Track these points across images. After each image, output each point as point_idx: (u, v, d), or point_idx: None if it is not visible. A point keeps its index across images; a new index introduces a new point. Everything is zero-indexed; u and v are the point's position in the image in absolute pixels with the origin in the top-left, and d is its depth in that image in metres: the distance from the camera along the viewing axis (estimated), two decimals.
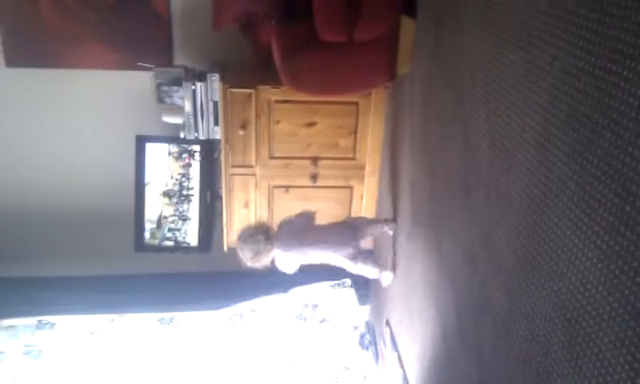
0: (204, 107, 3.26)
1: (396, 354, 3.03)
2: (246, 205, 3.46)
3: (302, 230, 2.84)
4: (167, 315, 3.98)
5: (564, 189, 1.33)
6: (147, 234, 3.70)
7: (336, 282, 3.90)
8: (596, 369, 1.21)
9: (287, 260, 2.82)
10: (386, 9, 2.66)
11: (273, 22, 2.83)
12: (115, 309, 3.89)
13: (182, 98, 3.25)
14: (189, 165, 3.59)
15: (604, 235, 1.18)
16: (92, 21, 3.37)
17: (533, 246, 1.48)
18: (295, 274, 2.91)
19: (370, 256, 3.13)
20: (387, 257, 3.14)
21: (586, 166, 1.24)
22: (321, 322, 3.89)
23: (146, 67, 3.32)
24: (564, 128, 1.33)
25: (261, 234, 2.75)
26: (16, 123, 3.63)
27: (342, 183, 3.43)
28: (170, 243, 3.74)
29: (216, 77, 3.18)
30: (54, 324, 3.91)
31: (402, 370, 2.92)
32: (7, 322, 3.87)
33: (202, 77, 3.22)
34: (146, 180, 3.60)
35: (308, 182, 3.40)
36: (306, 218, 2.91)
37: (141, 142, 3.55)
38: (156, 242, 3.72)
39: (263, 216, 3.49)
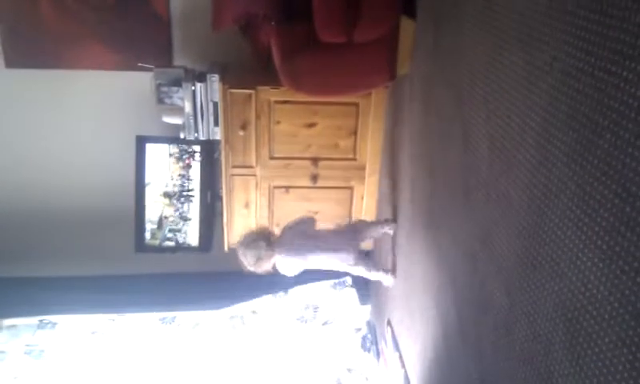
0: (204, 108, 3.27)
1: (397, 354, 3.03)
2: (247, 205, 3.46)
3: (302, 235, 2.85)
4: (169, 314, 3.98)
5: (564, 189, 1.33)
6: (148, 235, 3.70)
7: (336, 280, 3.91)
8: (597, 368, 1.21)
9: (288, 265, 2.84)
10: (385, 9, 2.66)
11: (272, 22, 2.83)
12: (116, 308, 3.90)
13: (182, 98, 3.26)
14: (189, 166, 3.60)
15: (604, 235, 1.18)
16: (92, 21, 3.37)
17: (533, 246, 1.48)
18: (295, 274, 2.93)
19: (370, 259, 3.15)
20: (387, 258, 3.14)
21: (586, 167, 1.24)
22: (323, 324, 3.89)
23: (145, 68, 3.33)
24: (564, 129, 1.33)
25: (262, 240, 2.76)
26: (16, 124, 3.63)
27: (342, 184, 3.44)
28: (171, 243, 3.75)
29: (216, 77, 3.18)
30: (55, 324, 3.91)
31: (403, 370, 2.93)
32: (8, 321, 3.87)
33: (201, 77, 3.22)
34: (147, 181, 3.61)
35: (308, 183, 3.40)
36: (307, 222, 2.93)
37: (141, 142, 3.55)
38: (157, 242, 3.72)
39: (264, 219, 3.50)
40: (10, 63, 3.44)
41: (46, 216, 3.85)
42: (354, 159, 3.36)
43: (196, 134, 3.34)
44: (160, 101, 3.30)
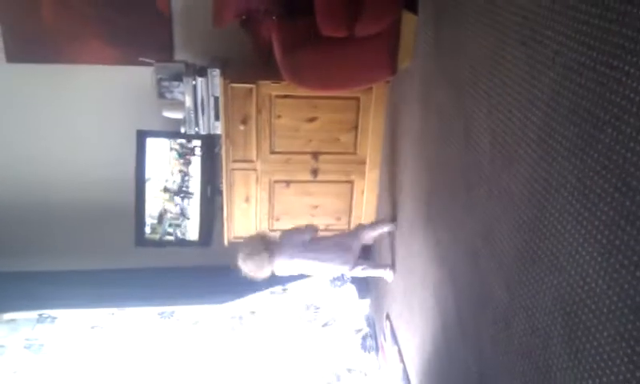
0: (205, 102, 3.27)
1: (396, 348, 3.04)
2: (247, 199, 3.47)
3: (303, 245, 2.88)
4: (168, 309, 3.99)
5: (565, 183, 1.33)
6: (148, 229, 3.71)
7: (335, 276, 3.90)
8: (595, 362, 1.22)
9: (288, 270, 2.89)
10: (386, 4, 2.66)
11: (273, 17, 2.83)
12: (116, 303, 3.90)
13: (183, 93, 3.26)
14: (189, 162, 3.60)
15: (604, 229, 1.19)
16: (93, 16, 3.37)
17: (533, 240, 1.49)
18: None
19: (369, 257, 3.19)
20: (387, 253, 3.16)
21: (587, 161, 1.24)
22: (323, 325, 3.90)
23: (146, 62, 3.33)
24: (565, 123, 1.33)
25: (263, 249, 2.78)
26: (16, 118, 3.63)
27: (342, 178, 3.44)
28: (171, 238, 3.75)
29: (217, 72, 3.18)
30: (54, 318, 3.91)
31: (402, 364, 2.94)
32: (8, 315, 3.87)
33: (202, 72, 3.22)
34: (147, 176, 3.61)
35: (309, 177, 3.40)
36: (308, 232, 2.95)
37: (141, 136, 3.55)
38: (157, 236, 3.73)
39: (264, 214, 3.50)
40: (11, 58, 3.44)
41: (45, 210, 3.86)
42: (355, 154, 3.36)
43: (197, 129, 3.34)
44: (161, 95, 3.30)
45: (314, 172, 3.37)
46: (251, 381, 3.68)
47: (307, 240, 2.90)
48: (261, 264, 2.75)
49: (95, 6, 3.34)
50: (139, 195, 3.63)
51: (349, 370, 3.72)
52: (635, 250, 1.09)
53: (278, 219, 3.54)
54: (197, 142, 3.57)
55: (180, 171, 3.62)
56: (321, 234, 3.14)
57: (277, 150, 3.33)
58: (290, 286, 3.90)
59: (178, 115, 3.37)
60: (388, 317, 3.24)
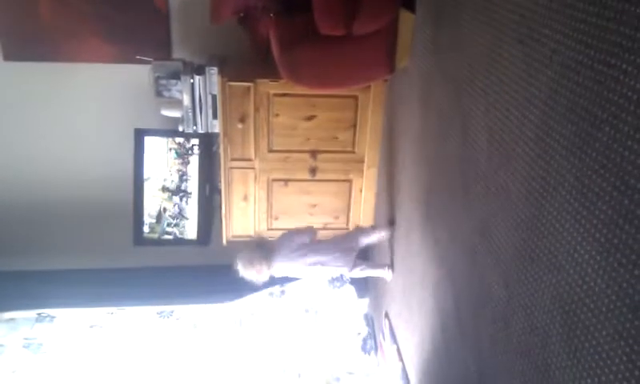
0: (202, 101, 3.26)
1: (395, 347, 3.04)
2: (245, 198, 3.46)
3: (302, 248, 2.89)
4: (167, 308, 3.99)
5: (563, 182, 1.33)
6: (146, 229, 3.70)
7: (334, 277, 3.89)
8: (594, 361, 1.22)
9: (288, 272, 2.91)
10: (384, 2, 2.65)
11: (271, 14, 2.83)
12: (115, 302, 3.90)
13: (181, 91, 3.24)
14: (187, 162, 3.60)
15: (602, 228, 1.18)
16: (90, 13, 3.36)
17: (531, 238, 1.48)
18: None
19: (367, 257, 3.20)
20: (386, 253, 3.16)
21: (585, 160, 1.24)
22: (323, 328, 3.89)
23: (144, 60, 3.32)
24: (563, 121, 1.33)
25: (262, 257, 2.79)
26: (14, 117, 3.62)
27: (341, 176, 3.44)
28: (169, 237, 3.75)
29: (214, 70, 3.17)
30: (53, 317, 3.92)
31: (401, 363, 2.94)
32: (7, 315, 3.87)
33: (200, 70, 3.21)
34: (146, 175, 3.61)
35: (307, 176, 3.40)
36: (307, 234, 2.95)
37: (139, 135, 3.54)
38: (155, 235, 3.72)
39: (262, 212, 3.50)
40: (9, 56, 3.43)
41: (44, 209, 3.85)
42: (353, 152, 3.36)
43: (195, 127, 3.33)
44: (159, 94, 3.30)
45: (313, 170, 3.37)
46: (251, 381, 3.69)
47: (307, 242, 2.91)
48: (260, 270, 2.78)
49: (93, 4, 3.33)
50: (138, 194, 3.62)
51: (349, 373, 3.72)
52: (634, 248, 1.09)
53: (276, 218, 3.54)
54: (195, 141, 3.56)
55: (178, 171, 3.61)
56: (319, 233, 3.14)
57: (275, 148, 3.33)
58: (288, 287, 3.89)
59: (175, 114, 3.36)
60: (387, 316, 3.24)
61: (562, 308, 1.34)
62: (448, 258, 2.18)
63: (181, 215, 3.69)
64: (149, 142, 3.55)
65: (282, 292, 3.90)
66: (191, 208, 3.68)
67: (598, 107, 1.19)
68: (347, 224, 3.57)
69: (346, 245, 2.99)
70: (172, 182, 3.63)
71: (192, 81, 3.21)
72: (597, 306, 1.21)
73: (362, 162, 3.38)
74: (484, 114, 1.80)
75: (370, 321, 3.84)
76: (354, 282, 3.79)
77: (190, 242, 3.77)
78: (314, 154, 3.34)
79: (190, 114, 3.29)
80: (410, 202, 2.75)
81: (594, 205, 1.21)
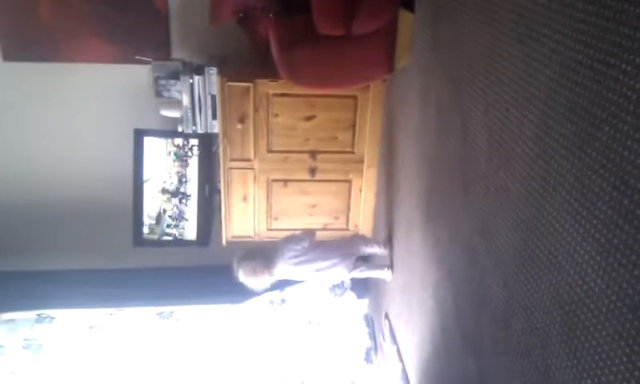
0: (202, 101, 3.25)
1: (395, 347, 3.04)
2: (245, 198, 3.46)
3: (301, 252, 2.89)
4: (167, 309, 3.98)
5: (562, 182, 1.33)
6: (146, 229, 3.70)
7: (335, 284, 3.87)
8: (594, 361, 1.21)
9: (288, 276, 2.91)
10: (383, 2, 2.65)
11: (271, 15, 2.82)
12: (114, 303, 3.90)
13: (180, 91, 3.24)
14: (187, 164, 3.60)
15: (602, 228, 1.18)
16: (90, 14, 3.35)
17: (531, 239, 1.48)
18: None
19: (368, 261, 3.20)
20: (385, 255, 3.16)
21: (585, 160, 1.24)
22: (325, 338, 3.88)
23: (143, 61, 3.31)
24: (562, 121, 1.33)
25: (262, 264, 2.80)
26: (14, 117, 3.62)
27: (340, 177, 3.43)
28: (169, 238, 3.74)
29: (214, 70, 3.17)
30: (53, 318, 3.91)
31: (401, 363, 2.93)
32: (7, 315, 3.87)
33: (199, 70, 3.21)
34: (145, 177, 3.60)
35: (306, 176, 3.40)
36: (306, 238, 2.95)
37: (139, 135, 3.54)
38: (155, 236, 3.72)
39: (262, 213, 3.49)
40: (8, 56, 3.43)
41: (43, 209, 3.85)
42: (353, 152, 3.36)
43: (194, 127, 3.33)
44: (158, 94, 3.29)
45: (312, 171, 3.37)
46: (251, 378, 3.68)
47: (306, 246, 2.91)
48: (262, 278, 2.79)
49: (93, 4, 3.33)
50: (137, 195, 3.62)
51: (351, 383, 3.71)
52: (634, 248, 1.08)
53: (276, 218, 3.54)
54: (194, 141, 3.56)
55: (177, 173, 3.61)
56: (319, 234, 3.14)
57: (274, 148, 3.33)
58: (289, 294, 3.87)
59: (175, 114, 3.36)
60: (387, 316, 3.24)
61: (561, 308, 1.34)
62: (448, 258, 2.18)
63: (180, 216, 3.69)
64: (148, 142, 3.55)
65: (283, 300, 3.88)
66: (191, 209, 3.68)
67: (597, 107, 1.19)
68: (347, 224, 3.57)
69: (346, 250, 3.01)
70: (171, 184, 3.63)
71: (191, 81, 3.21)
72: (597, 307, 1.20)
73: (362, 162, 3.38)
74: (483, 114, 1.79)
75: (369, 322, 3.83)
76: (353, 282, 3.80)
77: (189, 242, 3.76)
78: (313, 154, 3.33)
79: (190, 114, 3.28)
80: (410, 200, 2.75)
81: (594, 205, 1.21)
